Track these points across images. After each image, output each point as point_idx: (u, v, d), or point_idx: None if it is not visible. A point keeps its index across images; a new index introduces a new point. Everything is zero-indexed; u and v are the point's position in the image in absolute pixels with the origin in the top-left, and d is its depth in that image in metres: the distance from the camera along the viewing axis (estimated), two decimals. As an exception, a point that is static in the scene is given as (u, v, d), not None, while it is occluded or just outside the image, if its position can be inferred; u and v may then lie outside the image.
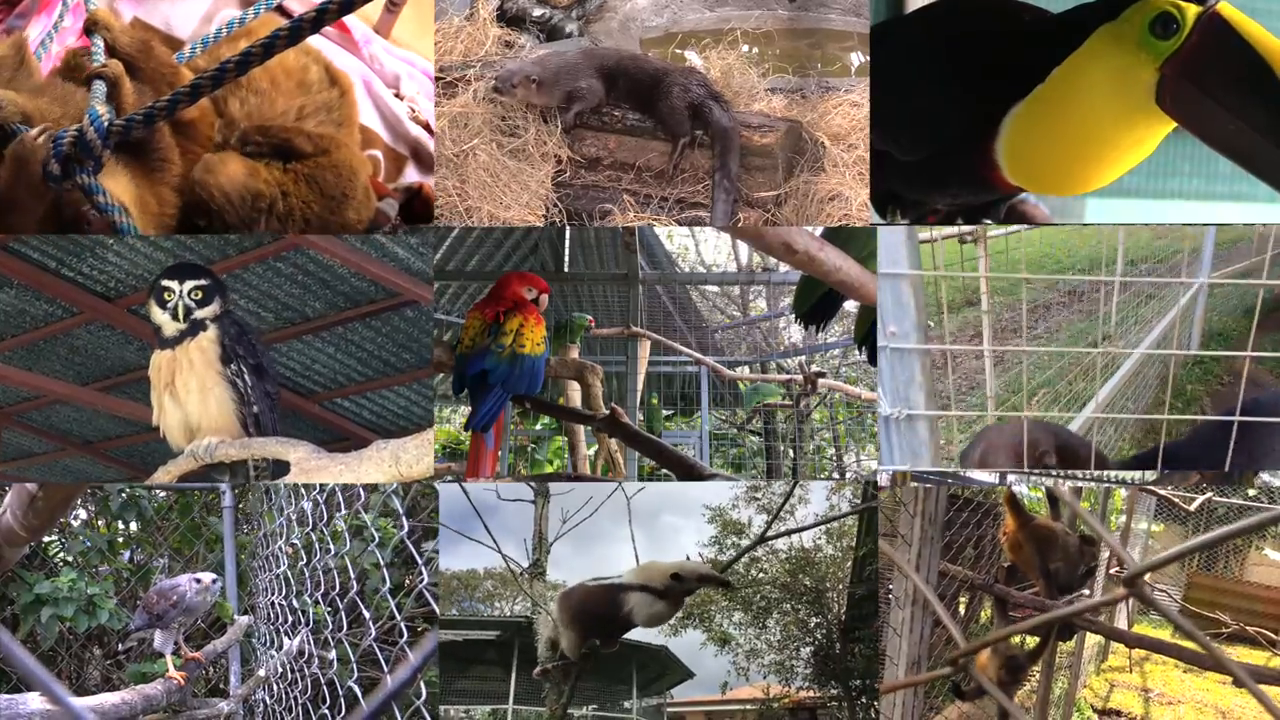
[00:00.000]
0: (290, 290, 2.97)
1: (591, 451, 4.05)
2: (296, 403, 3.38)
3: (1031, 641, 2.42)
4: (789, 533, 3.43)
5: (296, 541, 2.93)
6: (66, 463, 3.97)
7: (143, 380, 2.38)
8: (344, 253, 2.76)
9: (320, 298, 3.00)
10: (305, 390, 3.40)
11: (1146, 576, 1.24)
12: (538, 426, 5.30)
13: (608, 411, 2.77)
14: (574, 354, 4.02)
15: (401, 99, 2.78)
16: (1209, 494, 4.18)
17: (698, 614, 3.92)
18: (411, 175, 2.73)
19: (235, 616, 3.23)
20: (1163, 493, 4.17)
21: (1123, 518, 4.09)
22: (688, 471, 2.70)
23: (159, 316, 2.30)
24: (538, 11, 2.74)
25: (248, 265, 2.86)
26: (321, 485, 2.67)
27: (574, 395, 3.93)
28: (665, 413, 5.61)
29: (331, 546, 2.71)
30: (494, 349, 2.61)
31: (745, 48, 2.68)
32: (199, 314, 2.29)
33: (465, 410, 2.85)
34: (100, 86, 2.13)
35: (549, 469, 5.50)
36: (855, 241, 2.35)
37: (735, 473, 5.73)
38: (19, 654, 0.67)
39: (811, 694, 3.90)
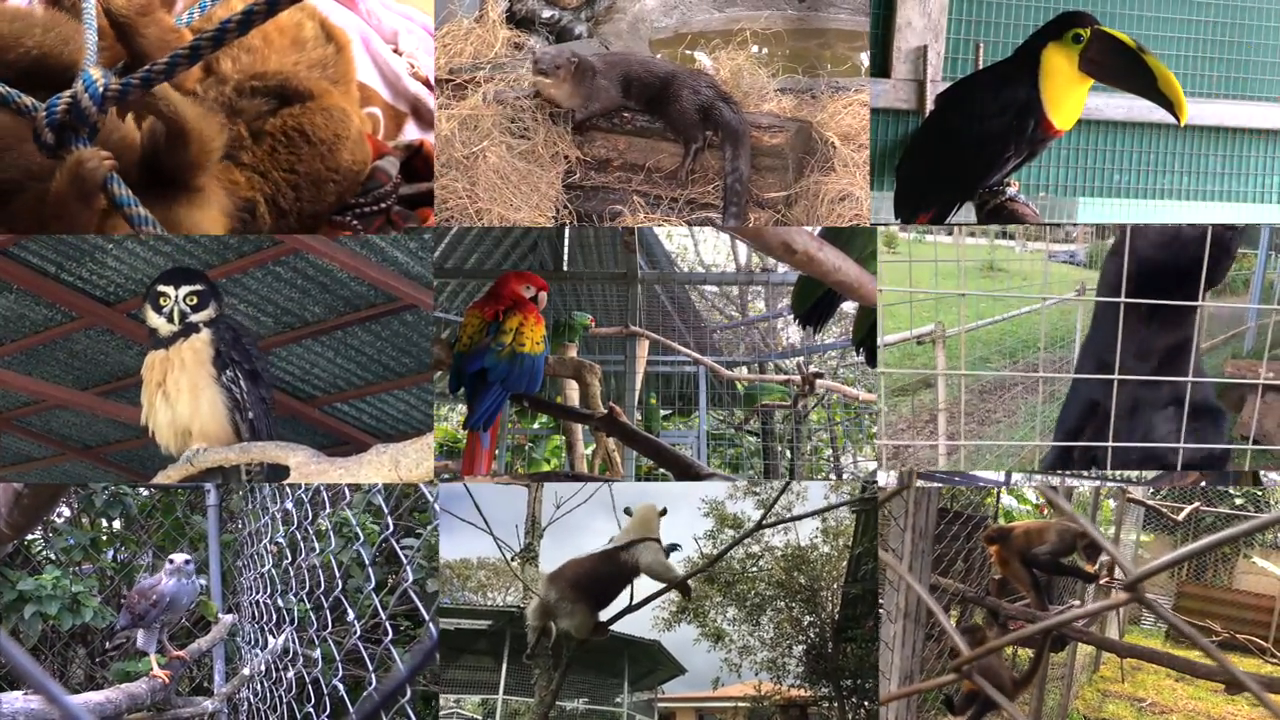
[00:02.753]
0: (289, 294, 2.92)
1: (589, 451, 4.02)
2: (296, 407, 3.32)
3: (1024, 655, 2.41)
4: (781, 522, 3.41)
5: (281, 540, 2.89)
6: (65, 467, 3.89)
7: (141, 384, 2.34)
8: (343, 257, 2.70)
9: (319, 302, 2.95)
10: (304, 394, 3.35)
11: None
12: (535, 425, 5.27)
13: (606, 411, 2.75)
14: (572, 353, 3.99)
15: (400, 55, 2.71)
16: (1196, 504, 4.21)
17: (692, 609, 3.90)
18: (412, 132, 2.66)
19: (219, 615, 3.18)
20: (1151, 503, 4.19)
21: (1112, 528, 4.11)
22: (685, 471, 2.68)
23: (154, 320, 2.28)
24: (547, 13, 2.70)
25: (247, 270, 2.81)
26: (306, 484, 2.62)
27: (572, 394, 3.90)
28: (663, 412, 5.59)
29: (316, 545, 2.67)
30: (493, 347, 2.58)
31: (754, 48, 2.66)
32: (194, 318, 2.26)
33: (463, 409, 2.82)
34: (92, 37, 2.04)
35: (546, 468, 5.47)
36: (855, 242, 2.33)
37: (733, 473, 5.72)
38: (16, 653, 0.64)
39: (803, 692, 3.88)
